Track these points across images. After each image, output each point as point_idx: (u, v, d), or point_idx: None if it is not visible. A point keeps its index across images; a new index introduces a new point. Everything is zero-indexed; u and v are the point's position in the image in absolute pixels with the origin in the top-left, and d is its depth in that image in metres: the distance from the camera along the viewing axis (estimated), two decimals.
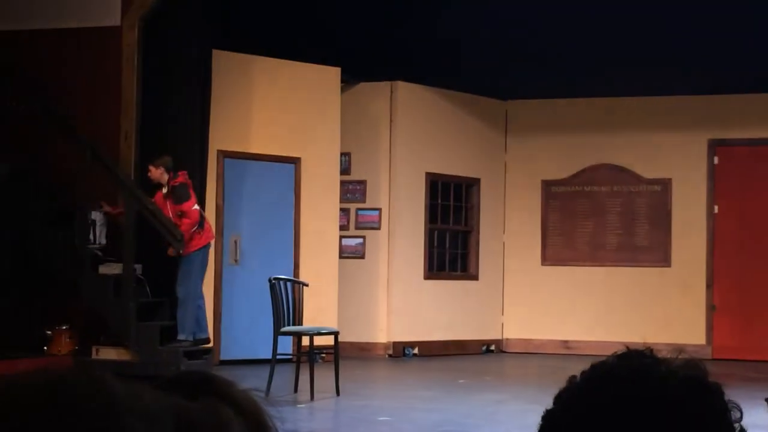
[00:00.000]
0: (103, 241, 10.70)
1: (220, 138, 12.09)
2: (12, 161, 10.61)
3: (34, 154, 10.67)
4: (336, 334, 10.07)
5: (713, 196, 14.47)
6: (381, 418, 8.29)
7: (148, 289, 10.81)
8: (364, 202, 14.09)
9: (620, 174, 14.80)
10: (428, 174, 14.36)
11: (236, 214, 12.39)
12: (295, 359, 10.45)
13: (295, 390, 9.75)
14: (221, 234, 12.15)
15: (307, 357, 9.68)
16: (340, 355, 10.07)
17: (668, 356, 1.23)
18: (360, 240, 14.06)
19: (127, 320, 10.20)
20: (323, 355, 11.78)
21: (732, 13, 12.77)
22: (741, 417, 1.20)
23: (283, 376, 10.06)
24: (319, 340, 10.27)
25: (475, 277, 14.92)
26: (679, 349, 1.24)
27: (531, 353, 14.72)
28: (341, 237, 13.70)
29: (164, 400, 0.81)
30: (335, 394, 9.59)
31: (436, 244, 14.59)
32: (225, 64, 12.12)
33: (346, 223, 13.95)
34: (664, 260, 14.59)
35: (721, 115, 14.37)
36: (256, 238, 12.47)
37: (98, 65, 11.07)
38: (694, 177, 14.49)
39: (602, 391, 1.17)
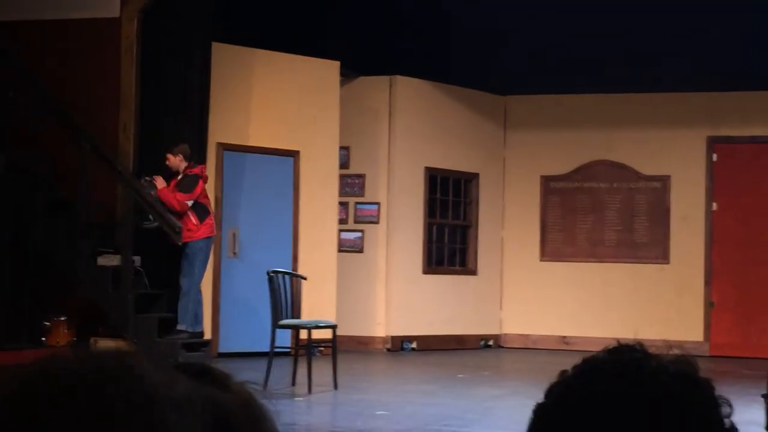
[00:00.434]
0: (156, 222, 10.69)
1: (220, 131, 12.09)
2: (11, 152, 10.60)
3: (33, 145, 10.66)
4: (334, 327, 10.07)
5: (712, 193, 14.47)
6: (378, 412, 8.29)
7: (146, 280, 10.81)
8: (362, 196, 14.09)
9: (619, 170, 14.80)
10: (427, 168, 14.36)
11: (235, 207, 12.40)
12: (293, 352, 10.45)
13: (293, 383, 9.76)
14: (220, 227, 12.14)
15: (305, 350, 9.69)
16: (339, 348, 10.08)
17: (659, 351, 1.23)
18: (359, 234, 14.07)
19: (126, 312, 10.21)
20: (321, 348, 11.79)
21: (731, 11, 12.77)
22: (731, 413, 1.20)
23: (281, 369, 10.07)
24: (317, 334, 10.28)
25: (473, 272, 14.93)
26: (670, 344, 1.24)
27: (529, 348, 14.73)
28: (340, 231, 13.70)
29: (199, 390, 0.80)
30: (333, 387, 9.60)
31: (434, 238, 14.59)
32: (224, 56, 12.12)
33: (344, 216, 13.96)
34: (663, 257, 14.60)
35: (721, 113, 14.37)
36: (255, 231, 12.48)
37: (97, 57, 11.06)
38: (693, 174, 14.50)
39: (593, 385, 1.18)
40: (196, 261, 10.77)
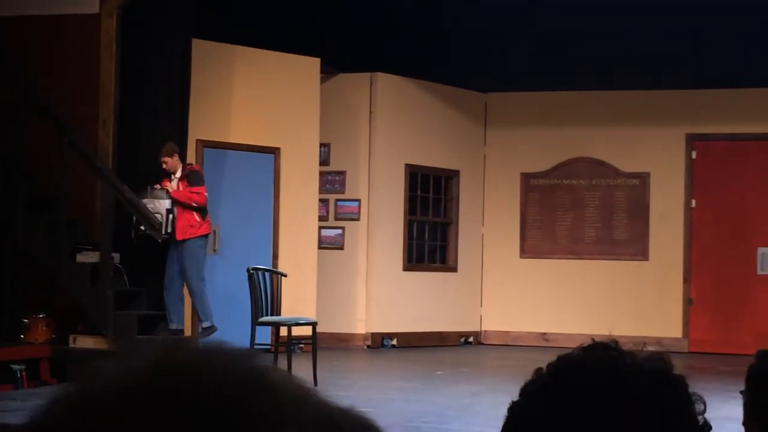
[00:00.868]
0: (170, 230, 10.77)
1: (200, 127, 12.06)
2: None
3: (13, 140, 10.61)
4: (314, 324, 10.07)
5: (691, 190, 14.53)
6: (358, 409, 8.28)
7: (125, 277, 10.78)
8: (343, 193, 14.08)
9: (599, 167, 14.85)
10: (408, 165, 14.37)
11: (215, 204, 12.35)
12: (273, 349, 10.44)
13: None
14: None
15: (285, 347, 9.68)
16: (319, 345, 10.07)
17: (634, 348, 1.24)
18: (339, 231, 14.06)
19: (105, 309, 10.18)
20: (301, 345, 11.79)
21: (710, 9, 12.83)
22: (705, 409, 1.21)
23: None
24: (297, 331, 10.27)
25: (453, 269, 14.94)
26: (645, 341, 1.24)
27: (509, 345, 14.76)
28: (320, 228, 13.69)
29: (326, 407, 0.76)
30: (313, 384, 9.60)
31: (415, 235, 14.60)
32: (204, 53, 12.08)
33: (325, 213, 13.94)
34: (642, 254, 14.65)
35: (699, 110, 14.43)
36: (235, 228, 12.45)
37: (77, 53, 11.02)
38: (672, 171, 14.55)
39: (568, 383, 1.18)
40: (199, 257, 10.93)
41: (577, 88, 14.72)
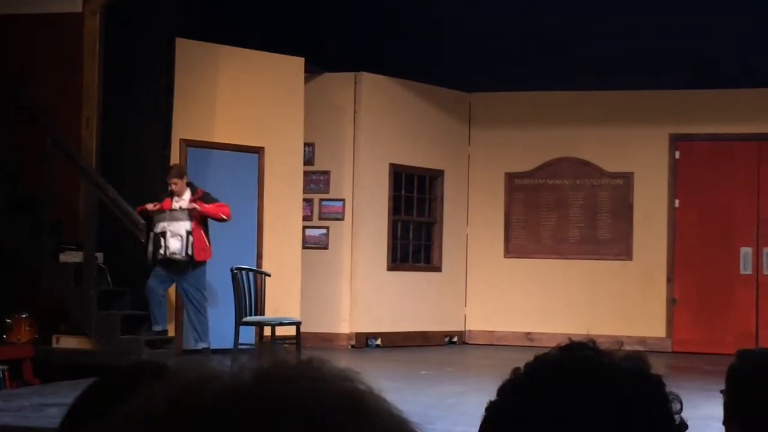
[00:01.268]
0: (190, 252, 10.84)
1: (183, 127, 12.04)
2: None
3: None
4: (298, 324, 10.06)
5: (674, 190, 14.58)
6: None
7: (109, 277, 10.76)
8: (327, 192, 14.07)
9: (583, 167, 14.88)
10: (392, 165, 14.37)
11: None
12: None
13: None
14: None
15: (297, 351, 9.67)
16: (303, 345, 10.07)
17: (611, 348, 1.24)
18: (323, 231, 14.05)
19: (88, 309, 10.15)
20: (285, 345, 11.77)
21: (693, 10, 12.87)
22: (681, 408, 1.22)
23: None
24: (281, 331, 10.27)
25: (438, 269, 14.95)
26: (621, 341, 1.25)
27: (494, 345, 14.77)
28: (304, 227, 13.68)
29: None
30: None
31: (399, 235, 14.60)
32: (188, 52, 12.06)
33: (309, 213, 13.93)
34: (626, 253, 14.69)
35: (683, 111, 14.47)
36: (219, 228, 12.42)
37: (60, 52, 10.99)
38: (655, 171, 14.59)
39: (545, 382, 1.19)
40: (205, 278, 11.11)
41: (562, 89, 14.74)
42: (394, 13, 13.87)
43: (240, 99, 12.65)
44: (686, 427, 1.21)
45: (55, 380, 9.71)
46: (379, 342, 14.13)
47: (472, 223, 15.28)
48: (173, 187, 10.98)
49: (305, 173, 13.53)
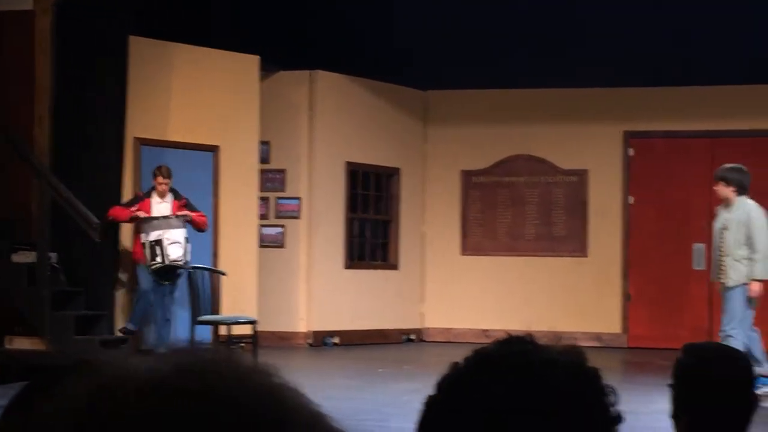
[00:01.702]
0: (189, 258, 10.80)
1: (138, 125, 11.96)
2: None
3: None
4: (254, 323, 10.03)
5: (628, 186, 14.69)
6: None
7: (63, 277, 10.67)
8: (283, 191, 14.04)
9: (538, 165, 14.95)
10: (348, 163, 14.36)
11: None
12: None
13: None
14: None
15: (226, 346, 9.64)
16: (260, 344, 10.05)
17: (549, 342, 1.25)
18: (280, 229, 14.02)
19: (42, 309, 10.06)
20: (242, 344, 11.73)
21: (647, 9, 12.97)
22: (618, 401, 1.22)
23: None
24: (237, 329, 10.23)
25: (395, 267, 14.96)
26: (559, 335, 1.26)
27: (451, 342, 14.80)
28: (261, 226, 13.64)
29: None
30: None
31: (356, 233, 14.60)
32: (142, 50, 11.98)
33: (265, 212, 13.89)
34: (581, 250, 14.78)
35: (636, 108, 14.58)
36: None
37: (11, 50, 10.87)
38: (609, 168, 14.69)
39: (482, 376, 1.19)
40: None
41: (517, 86, 14.80)
42: (350, 12, 13.86)
43: (195, 97, 12.59)
44: (622, 419, 1.21)
45: (8, 382, 9.61)
46: (336, 340, 14.12)
47: (429, 220, 15.31)
48: (163, 186, 10.97)
49: (261, 172, 13.49)
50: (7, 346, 10.21)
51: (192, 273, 9.88)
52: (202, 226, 11.21)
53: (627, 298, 14.65)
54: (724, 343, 7.75)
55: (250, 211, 13.14)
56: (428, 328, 15.23)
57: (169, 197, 11.10)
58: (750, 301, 8.86)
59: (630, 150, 14.70)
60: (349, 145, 14.33)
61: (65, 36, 10.89)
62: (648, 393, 9.17)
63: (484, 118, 15.02)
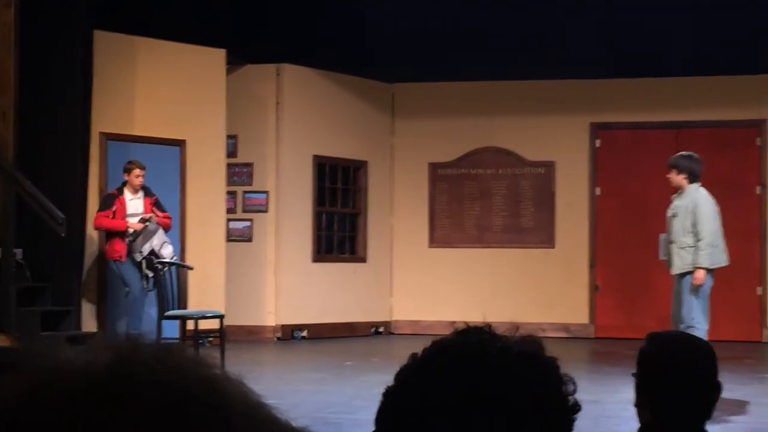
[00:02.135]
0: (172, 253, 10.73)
1: (103, 120, 11.89)
2: None
3: None
4: (221, 317, 10.01)
5: (595, 178, 14.76)
6: (266, 402, 8.26)
7: (28, 273, 10.60)
8: (251, 185, 14.01)
9: (505, 157, 14.99)
10: (315, 156, 14.34)
11: None
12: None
13: None
14: None
15: (193, 341, 9.61)
16: (228, 338, 10.03)
17: (507, 332, 1.26)
18: (247, 223, 13.99)
19: (7, 305, 9.98)
20: (210, 338, 11.71)
21: (610, 1, 13.04)
22: (575, 390, 1.23)
23: None
24: (205, 324, 10.20)
25: (363, 260, 14.97)
26: (517, 325, 1.26)
27: (419, 334, 14.82)
28: (228, 220, 13.60)
29: (278, 425, 0.75)
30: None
31: (324, 226, 14.59)
32: (107, 44, 11.91)
33: (233, 206, 13.86)
34: (549, 241, 14.84)
35: (603, 100, 14.65)
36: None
37: None
38: (576, 160, 14.75)
39: (439, 366, 1.20)
40: None
41: (483, 78, 14.83)
42: (317, 5, 13.84)
43: (161, 91, 12.53)
44: (579, 408, 1.22)
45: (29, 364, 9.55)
46: (305, 334, 14.11)
47: (397, 213, 15.32)
48: (140, 179, 10.94)
49: (228, 165, 13.45)
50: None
51: (158, 267, 9.84)
52: (166, 228, 11.18)
53: (594, 288, 14.73)
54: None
55: (217, 206, 13.10)
56: (396, 321, 15.25)
57: (140, 193, 11.05)
58: (695, 289, 8.90)
59: (597, 141, 14.77)
60: (317, 138, 14.31)
61: (29, 30, 10.80)
62: (613, 382, 9.24)
63: (451, 111, 15.04)
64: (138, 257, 10.75)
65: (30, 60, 10.82)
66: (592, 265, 14.73)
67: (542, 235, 14.85)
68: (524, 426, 1.16)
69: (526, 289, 14.75)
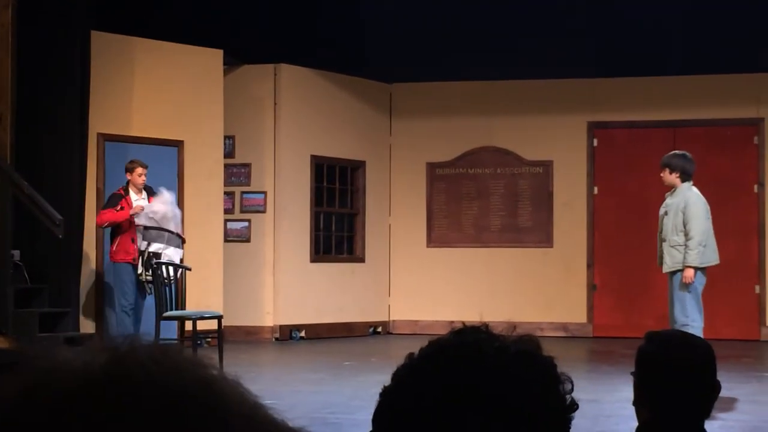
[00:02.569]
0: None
1: (101, 121, 11.88)
2: None
3: None
4: (219, 318, 10.00)
5: (593, 177, 14.76)
6: (265, 403, 8.25)
7: (26, 275, 10.59)
8: (248, 185, 14.00)
9: (503, 156, 14.99)
10: (313, 157, 14.34)
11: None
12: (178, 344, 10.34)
13: None
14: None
15: (191, 342, 9.60)
16: (227, 339, 10.03)
17: (503, 332, 1.25)
18: (245, 223, 13.98)
19: (5, 307, 9.98)
20: (209, 339, 11.70)
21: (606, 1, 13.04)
22: (572, 389, 1.23)
23: None
24: (203, 325, 10.20)
25: (361, 260, 14.97)
26: (514, 324, 1.26)
27: (417, 334, 14.82)
28: (226, 220, 13.60)
29: (275, 425, 0.76)
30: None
31: (322, 226, 14.59)
32: (104, 45, 11.90)
33: (231, 206, 13.86)
34: (547, 241, 14.83)
35: (600, 99, 14.65)
36: None
37: None
38: (574, 159, 14.75)
39: (436, 366, 1.19)
40: None
41: (481, 78, 14.83)
42: (313, 5, 13.84)
43: (158, 92, 12.53)
44: (577, 407, 1.22)
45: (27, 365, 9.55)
46: (303, 334, 14.11)
47: (395, 213, 15.32)
48: (143, 177, 10.91)
49: (226, 166, 13.45)
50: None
51: (156, 268, 9.84)
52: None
53: (592, 288, 14.73)
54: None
55: (215, 206, 13.10)
56: (395, 321, 15.25)
57: (144, 193, 11.00)
58: (684, 287, 8.92)
59: (594, 141, 14.77)
60: (315, 138, 14.31)
61: (27, 31, 10.79)
62: (612, 382, 9.25)
63: (449, 111, 15.04)
64: (143, 246, 10.66)
65: (28, 61, 10.81)
66: (590, 264, 14.73)
67: (540, 234, 14.85)
68: (522, 425, 1.15)
69: (524, 289, 14.75)
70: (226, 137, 13.39)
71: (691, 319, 8.81)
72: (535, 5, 13.56)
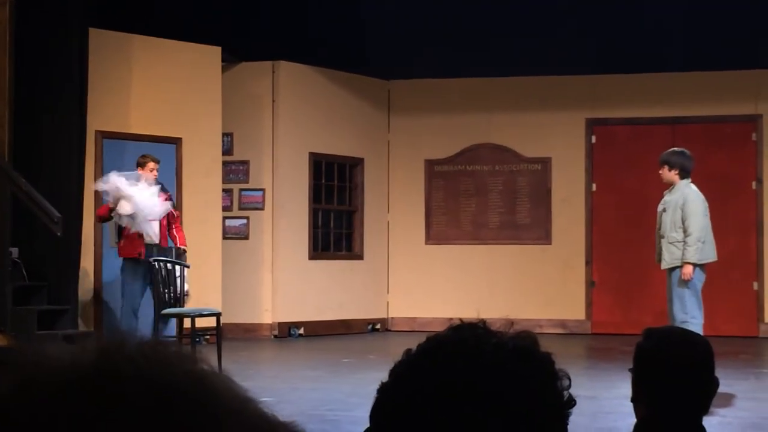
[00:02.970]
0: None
1: (99, 118, 11.88)
2: None
3: None
4: (218, 315, 10.00)
5: (591, 174, 14.76)
6: (263, 399, 8.25)
7: (24, 272, 10.59)
8: (247, 182, 14.00)
9: (502, 153, 14.99)
10: (312, 154, 14.34)
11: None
12: (177, 341, 10.34)
13: None
14: None
15: (190, 339, 9.60)
16: (225, 336, 10.03)
17: (501, 328, 1.25)
18: (244, 221, 13.98)
19: (3, 304, 9.98)
20: (207, 336, 11.70)
21: None
22: (570, 385, 1.23)
23: None
24: (202, 322, 10.20)
25: (360, 257, 14.96)
26: (512, 321, 1.26)
27: (416, 331, 14.82)
28: (224, 218, 13.60)
29: (266, 419, 0.76)
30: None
31: (320, 224, 14.58)
32: (102, 42, 11.89)
33: (229, 203, 13.85)
34: (545, 237, 14.84)
35: (598, 95, 14.65)
36: None
37: None
38: (572, 156, 14.75)
39: (433, 362, 1.19)
40: None
41: (479, 75, 14.83)
42: (311, 2, 13.83)
43: (156, 89, 12.52)
44: (574, 403, 1.22)
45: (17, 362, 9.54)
46: (301, 331, 14.11)
47: (393, 210, 15.31)
48: (155, 172, 10.86)
49: (224, 163, 13.45)
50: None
51: (154, 265, 9.83)
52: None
53: (591, 284, 14.73)
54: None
55: (213, 203, 13.09)
56: (393, 318, 15.25)
57: (156, 189, 10.89)
58: (683, 283, 8.95)
59: (592, 137, 14.77)
60: (313, 135, 14.30)
61: (24, 28, 10.78)
62: (610, 378, 9.25)
63: (447, 108, 15.04)
64: (118, 220, 10.57)
65: (25, 58, 10.81)
66: (589, 261, 14.73)
67: (539, 231, 14.86)
68: (519, 421, 1.15)
69: (522, 286, 14.75)
70: (224, 134, 13.39)
71: (691, 316, 8.82)
72: (533, 2, 13.56)
